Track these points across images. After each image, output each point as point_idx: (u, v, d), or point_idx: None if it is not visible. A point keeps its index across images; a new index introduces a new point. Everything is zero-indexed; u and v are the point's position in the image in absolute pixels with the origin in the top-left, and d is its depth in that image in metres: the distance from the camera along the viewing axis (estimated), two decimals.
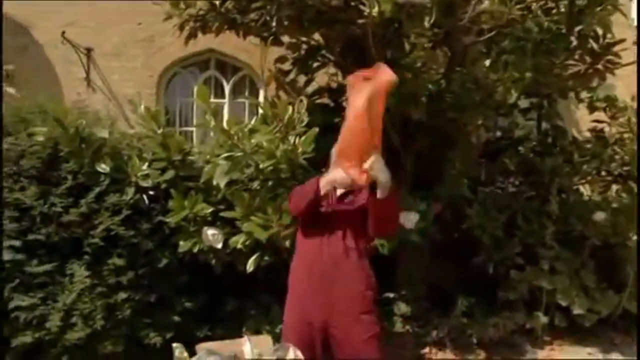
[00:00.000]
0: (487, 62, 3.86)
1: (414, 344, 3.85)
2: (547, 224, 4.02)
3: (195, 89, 5.83)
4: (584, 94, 4.40)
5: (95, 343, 2.89)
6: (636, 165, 4.15)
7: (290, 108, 2.91)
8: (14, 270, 2.83)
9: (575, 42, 3.72)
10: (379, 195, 1.91)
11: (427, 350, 3.81)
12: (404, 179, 4.14)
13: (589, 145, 4.55)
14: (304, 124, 2.90)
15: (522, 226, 4.16)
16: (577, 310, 3.90)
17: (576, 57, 3.86)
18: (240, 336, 2.84)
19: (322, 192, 2.04)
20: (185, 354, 1.72)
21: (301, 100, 2.94)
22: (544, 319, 3.95)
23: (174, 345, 1.74)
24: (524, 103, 4.72)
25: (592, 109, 4.56)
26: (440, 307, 4.09)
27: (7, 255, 2.80)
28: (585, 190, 4.65)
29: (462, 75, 3.74)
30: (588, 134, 4.78)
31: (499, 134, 5.08)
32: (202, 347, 1.76)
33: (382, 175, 1.87)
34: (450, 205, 4.09)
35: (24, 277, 2.85)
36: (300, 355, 1.65)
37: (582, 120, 5.60)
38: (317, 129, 2.98)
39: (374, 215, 2.02)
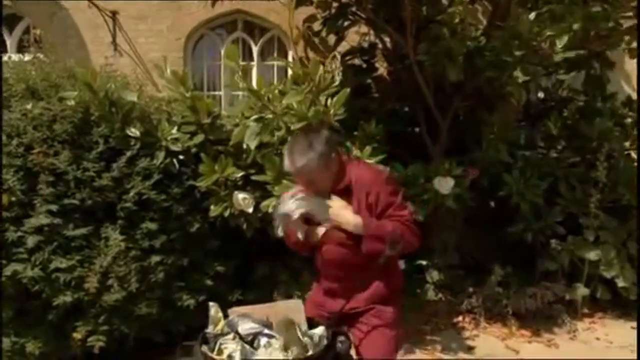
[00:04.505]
0: (532, 16, 3.56)
1: (446, 313, 3.80)
2: (592, 191, 3.79)
3: (223, 51, 5.78)
4: None
5: (130, 305, 2.95)
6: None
7: (321, 67, 2.78)
8: (53, 234, 2.89)
9: None
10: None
11: (460, 319, 3.75)
12: (440, 142, 3.99)
13: None
14: (336, 83, 2.77)
15: (564, 194, 3.96)
16: (622, 283, 3.72)
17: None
18: (272, 300, 2.83)
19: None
20: (220, 314, 1.73)
21: (334, 56, 2.78)
22: (584, 291, 3.80)
23: (210, 304, 1.74)
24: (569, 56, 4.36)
25: None
26: (474, 276, 4.00)
27: (45, 220, 2.85)
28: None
29: (503, 30, 3.48)
30: None
31: (541, 94, 4.77)
32: (234, 311, 1.75)
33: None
34: (487, 170, 3.91)
35: (62, 241, 2.91)
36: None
37: None
38: (348, 90, 2.86)
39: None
